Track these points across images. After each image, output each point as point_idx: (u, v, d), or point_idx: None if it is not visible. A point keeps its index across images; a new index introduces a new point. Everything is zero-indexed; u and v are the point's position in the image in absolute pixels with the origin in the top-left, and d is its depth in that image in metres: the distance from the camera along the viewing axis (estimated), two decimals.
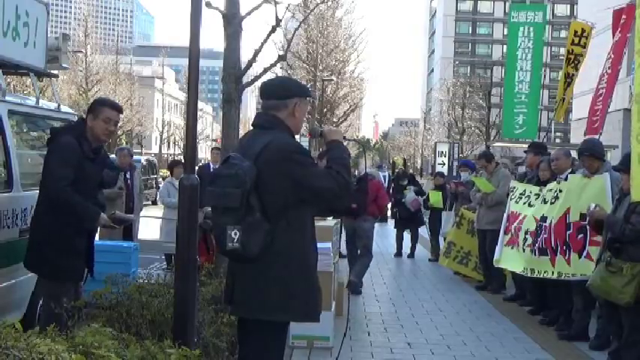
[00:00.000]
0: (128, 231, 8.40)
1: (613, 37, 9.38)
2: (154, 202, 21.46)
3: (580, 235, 6.34)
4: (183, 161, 6.05)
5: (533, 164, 8.13)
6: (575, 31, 10.56)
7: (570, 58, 10.52)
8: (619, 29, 9.12)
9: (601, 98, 9.61)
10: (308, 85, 28.64)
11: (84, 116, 4.83)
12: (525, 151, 8.88)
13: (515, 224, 7.37)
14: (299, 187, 3.24)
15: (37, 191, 5.36)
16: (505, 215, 7.77)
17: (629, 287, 5.17)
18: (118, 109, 4.71)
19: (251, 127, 3.54)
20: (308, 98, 3.56)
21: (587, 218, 6.17)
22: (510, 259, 7.45)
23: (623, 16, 9.12)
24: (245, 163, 3.20)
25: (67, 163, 4.34)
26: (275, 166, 3.22)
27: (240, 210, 3.16)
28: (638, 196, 4.95)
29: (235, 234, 3.18)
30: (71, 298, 4.22)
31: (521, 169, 9.24)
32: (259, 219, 3.18)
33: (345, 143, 3.63)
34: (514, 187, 7.78)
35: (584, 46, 10.34)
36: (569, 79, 10.60)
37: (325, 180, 3.26)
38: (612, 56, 9.25)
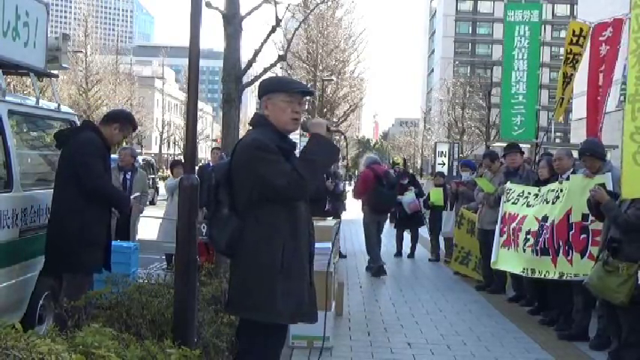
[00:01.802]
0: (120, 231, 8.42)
1: (599, 51, 9.40)
2: (152, 202, 21.53)
3: (583, 235, 6.33)
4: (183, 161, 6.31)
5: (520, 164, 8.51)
6: (574, 31, 10.54)
7: (569, 58, 10.52)
8: (605, 43, 9.15)
9: (600, 108, 9.63)
10: (307, 86, 28.61)
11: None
12: (505, 155, 8.93)
13: (513, 225, 7.35)
14: (259, 185, 3.27)
15: (38, 191, 5.39)
16: (499, 217, 7.76)
17: (623, 287, 5.19)
18: None
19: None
20: (285, 92, 3.43)
21: (589, 216, 6.21)
22: (508, 260, 7.44)
23: (610, 29, 9.13)
24: (223, 161, 3.36)
25: (99, 158, 4.88)
26: (240, 163, 3.33)
27: (210, 205, 3.33)
28: (630, 194, 4.98)
29: (204, 227, 3.41)
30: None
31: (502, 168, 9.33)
32: (227, 214, 3.30)
33: (344, 139, 3.66)
34: (510, 189, 7.76)
35: (582, 46, 10.34)
36: (567, 79, 10.59)
37: (277, 176, 3.23)
38: (604, 68, 9.26)
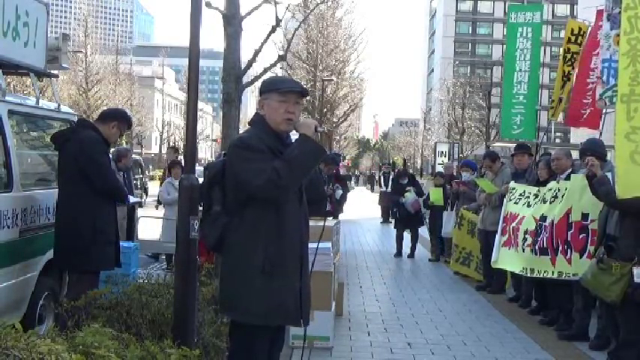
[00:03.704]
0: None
1: (597, 36, 9.40)
2: (140, 205, 21.40)
3: (582, 235, 6.34)
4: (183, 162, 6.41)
5: (527, 165, 8.49)
6: (572, 30, 10.57)
7: (567, 57, 10.55)
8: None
9: (590, 92, 9.58)
10: (308, 85, 28.63)
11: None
12: (514, 154, 8.93)
13: (513, 225, 7.36)
14: (239, 183, 3.28)
15: (38, 191, 5.39)
16: (501, 216, 7.76)
17: (615, 286, 5.20)
18: None
19: None
20: (277, 92, 3.42)
21: (589, 216, 6.21)
22: (508, 260, 7.44)
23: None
24: (219, 159, 3.43)
25: (105, 156, 5.07)
26: (228, 162, 3.38)
27: (202, 203, 3.42)
28: (625, 193, 4.98)
29: (196, 224, 3.51)
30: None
31: (508, 170, 9.32)
32: (218, 212, 3.35)
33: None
34: (513, 189, 7.77)
35: (581, 44, 10.37)
36: (566, 78, 10.60)
37: (253, 176, 3.20)
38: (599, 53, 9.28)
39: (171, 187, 9.83)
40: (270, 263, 3.28)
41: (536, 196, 7.19)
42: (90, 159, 4.89)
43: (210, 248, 3.44)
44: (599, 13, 9.54)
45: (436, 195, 12.21)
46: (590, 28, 9.97)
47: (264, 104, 3.44)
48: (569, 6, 76.73)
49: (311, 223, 3.68)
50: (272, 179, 3.16)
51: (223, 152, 3.58)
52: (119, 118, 5.29)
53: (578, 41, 10.37)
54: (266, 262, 3.27)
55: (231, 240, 3.32)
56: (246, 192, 3.25)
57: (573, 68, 10.50)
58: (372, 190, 47.35)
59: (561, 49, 10.74)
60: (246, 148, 3.28)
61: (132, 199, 6.76)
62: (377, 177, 30.57)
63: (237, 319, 3.40)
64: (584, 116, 9.62)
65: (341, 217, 11.86)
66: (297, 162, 3.24)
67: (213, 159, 15.88)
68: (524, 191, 7.52)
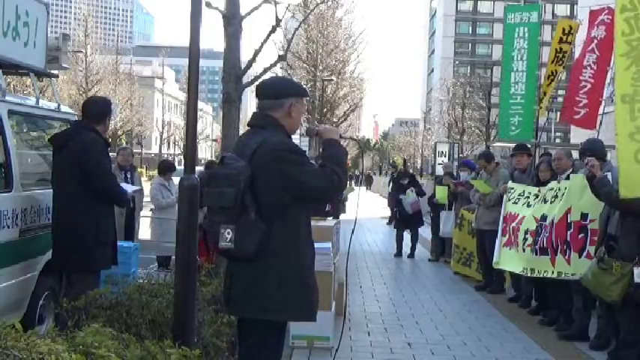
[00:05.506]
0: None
1: (591, 34, 9.42)
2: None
3: (581, 235, 6.35)
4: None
5: (526, 165, 8.47)
6: (563, 29, 10.61)
7: (558, 57, 10.59)
8: (604, 27, 9.15)
9: (584, 90, 9.59)
10: (308, 85, 28.64)
11: (81, 117, 5.31)
12: (512, 154, 8.94)
13: (513, 225, 7.36)
14: (293, 187, 3.23)
15: (38, 191, 5.39)
16: (501, 216, 7.76)
17: (616, 286, 5.21)
18: None
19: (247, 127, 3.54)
20: (305, 98, 3.55)
21: (588, 216, 6.22)
22: (509, 260, 7.44)
23: (608, 16, 9.11)
24: (239, 163, 3.24)
25: (106, 157, 5.11)
26: (268, 166, 3.22)
27: (235, 209, 3.18)
28: (629, 193, 4.99)
29: (229, 233, 3.21)
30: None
31: (504, 170, 9.31)
32: (254, 219, 3.19)
33: (345, 143, 3.66)
34: (512, 189, 7.77)
35: (570, 43, 10.44)
36: (553, 77, 10.65)
37: (319, 179, 3.26)
38: (599, 54, 9.26)
39: (164, 188, 9.64)
40: (312, 261, 3.40)
41: (537, 196, 7.19)
42: (92, 160, 4.91)
43: (249, 257, 3.22)
44: (592, 13, 9.57)
45: (441, 193, 12.11)
46: (581, 27, 10.02)
47: (294, 108, 3.41)
48: (568, 6, 76.77)
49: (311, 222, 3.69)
50: (335, 181, 3.27)
51: (223, 155, 3.47)
52: (109, 110, 5.39)
53: (569, 40, 10.43)
54: (313, 261, 3.39)
55: (275, 244, 3.23)
56: (305, 195, 3.29)
57: (563, 68, 10.59)
58: (369, 189, 48.00)
59: (550, 48, 10.77)
60: (296, 152, 3.30)
61: (130, 188, 6.54)
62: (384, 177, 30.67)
63: (281, 320, 3.39)
64: (580, 115, 9.65)
65: (342, 217, 11.85)
66: (342, 164, 3.38)
67: (213, 159, 15.82)
68: (524, 191, 7.53)
